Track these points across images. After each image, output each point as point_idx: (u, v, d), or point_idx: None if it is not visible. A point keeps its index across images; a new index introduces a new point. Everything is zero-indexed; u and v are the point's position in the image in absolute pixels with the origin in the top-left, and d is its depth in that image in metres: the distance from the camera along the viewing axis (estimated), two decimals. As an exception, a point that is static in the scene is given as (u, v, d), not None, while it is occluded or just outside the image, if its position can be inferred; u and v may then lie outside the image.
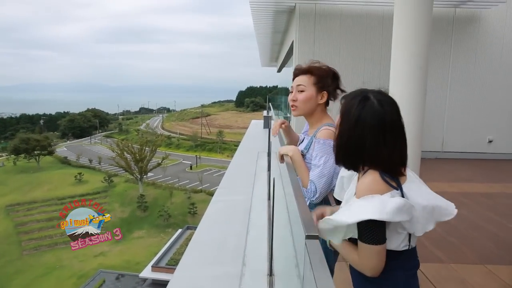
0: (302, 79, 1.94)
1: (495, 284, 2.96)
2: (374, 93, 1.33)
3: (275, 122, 1.83)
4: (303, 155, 1.88)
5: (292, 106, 1.97)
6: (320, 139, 1.79)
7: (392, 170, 1.27)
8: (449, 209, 1.41)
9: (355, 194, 1.29)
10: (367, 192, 1.19)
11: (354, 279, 1.40)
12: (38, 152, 59.15)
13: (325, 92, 1.94)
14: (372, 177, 1.23)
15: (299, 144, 2.07)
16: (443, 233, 4.01)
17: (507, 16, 8.37)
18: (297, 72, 1.99)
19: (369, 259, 1.22)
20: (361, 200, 1.19)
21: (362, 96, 1.32)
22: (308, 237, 0.71)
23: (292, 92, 1.99)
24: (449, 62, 8.49)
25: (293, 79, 2.02)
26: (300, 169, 1.84)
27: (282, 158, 1.79)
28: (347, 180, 1.49)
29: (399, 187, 1.23)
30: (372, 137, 1.26)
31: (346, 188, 1.48)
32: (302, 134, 2.10)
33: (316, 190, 1.79)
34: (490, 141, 8.63)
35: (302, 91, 1.92)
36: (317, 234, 0.71)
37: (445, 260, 3.34)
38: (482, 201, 5.28)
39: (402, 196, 1.22)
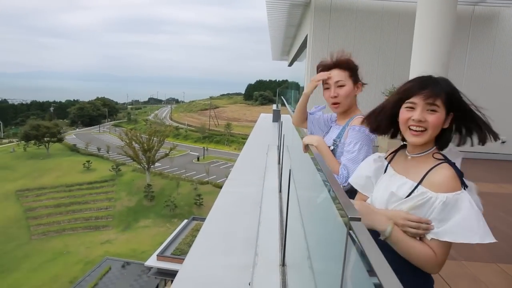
0: (339, 74, 1.93)
1: (508, 283, 2.96)
2: None
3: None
4: (336, 144, 1.88)
5: (335, 103, 1.94)
6: (355, 126, 1.78)
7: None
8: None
9: (415, 184, 1.28)
10: (451, 187, 1.20)
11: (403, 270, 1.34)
12: (48, 139, 59.81)
13: (360, 83, 1.96)
14: (453, 170, 1.25)
15: (325, 135, 2.07)
16: (455, 231, 4.00)
17: (526, 15, 8.22)
18: (328, 67, 1.98)
19: (448, 253, 1.23)
20: (468, 216, 1.17)
21: (443, 78, 1.37)
22: (352, 219, 0.72)
23: (328, 88, 1.97)
24: (465, 61, 8.39)
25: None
26: (327, 158, 1.84)
27: (306, 147, 1.80)
28: (373, 180, 1.46)
29: (463, 183, 1.25)
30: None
31: (370, 188, 1.45)
32: (332, 125, 2.10)
33: (348, 175, 1.78)
34: (503, 142, 8.53)
35: (342, 85, 1.92)
36: (360, 217, 0.72)
37: (457, 258, 3.34)
38: (494, 201, 5.25)
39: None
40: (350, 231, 0.71)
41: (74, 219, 41.03)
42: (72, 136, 75.88)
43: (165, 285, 25.13)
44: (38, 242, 36.54)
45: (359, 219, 0.70)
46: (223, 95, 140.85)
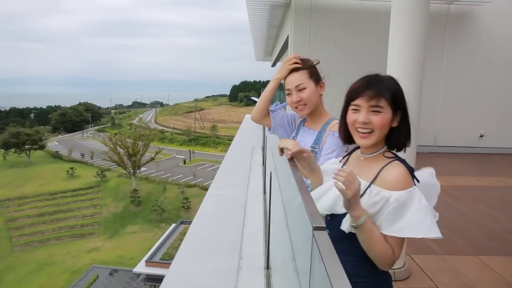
0: (297, 78, 1.86)
1: (488, 275, 3.02)
2: None
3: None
4: (314, 151, 1.83)
5: (298, 107, 1.87)
6: (335, 132, 1.72)
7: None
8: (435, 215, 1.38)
9: (368, 183, 1.28)
10: (403, 185, 1.22)
11: (354, 266, 1.30)
12: (29, 146, 58.51)
13: (322, 82, 1.92)
14: (403, 167, 1.26)
15: (295, 137, 2.02)
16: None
17: (500, 13, 8.44)
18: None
19: (401, 250, 1.24)
20: (416, 212, 1.19)
21: (388, 76, 1.35)
22: (316, 228, 0.71)
23: (289, 94, 1.89)
24: (443, 58, 8.56)
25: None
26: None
27: (282, 151, 1.78)
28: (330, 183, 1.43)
29: (414, 178, 1.27)
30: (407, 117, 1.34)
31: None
32: (301, 129, 2.01)
33: None
34: (481, 136, 8.74)
35: (303, 88, 1.84)
36: (325, 226, 0.72)
37: (439, 252, 3.39)
38: (474, 194, 5.37)
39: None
40: (314, 240, 0.70)
41: (59, 228, 40.19)
42: (54, 142, 74.40)
43: (155, 291, 24.87)
44: (21, 253, 35.67)
45: (323, 228, 0.70)
46: (208, 97, 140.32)
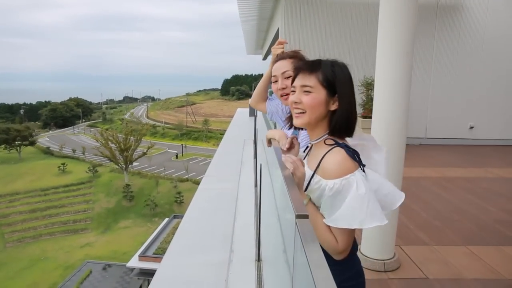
0: (285, 64, 1.86)
1: (477, 264, 3.05)
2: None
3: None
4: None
5: (283, 95, 1.87)
6: None
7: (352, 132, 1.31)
8: (398, 195, 1.34)
9: (312, 172, 1.25)
10: (340, 172, 1.17)
11: None
12: (19, 142, 57.82)
13: None
14: (341, 154, 1.20)
15: (287, 129, 2.00)
16: (426, 216, 4.10)
17: (489, 6, 8.48)
18: (273, 62, 1.95)
19: (348, 240, 1.20)
20: (351, 201, 1.14)
21: (339, 61, 1.31)
22: (298, 216, 0.70)
23: (276, 81, 1.89)
24: (433, 51, 8.59)
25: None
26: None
27: (269, 142, 1.77)
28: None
29: (360, 163, 1.22)
30: (354, 102, 1.30)
31: None
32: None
33: None
34: (471, 127, 8.82)
35: (289, 76, 1.81)
36: (308, 214, 0.71)
37: (429, 242, 3.42)
38: (464, 185, 5.42)
39: (363, 171, 1.22)
40: (297, 228, 0.69)
41: (51, 223, 39.93)
42: (45, 138, 73.61)
43: (149, 285, 24.83)
44: (14, 249, 35.40)
45: (306, 216, 0.68)
46: (199, 91, 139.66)
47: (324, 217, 1.21)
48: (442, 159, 7.27)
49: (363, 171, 1.22)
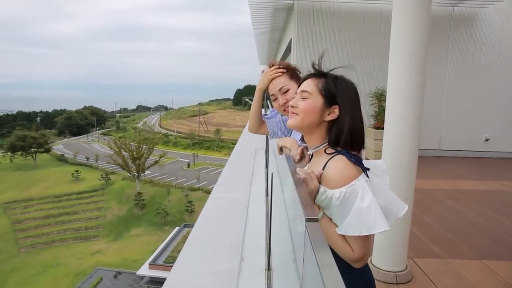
0: (279, 81, 1.92)
1: (492, 279, 2.98)
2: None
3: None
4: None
5: (286, 109, 1.87)
6: None
7: (362, 145, 1.31)
8: (401, 206, 1.33)
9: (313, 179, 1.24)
10: (344, 180, 1.17)
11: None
12: (35, 149, 58.96)
13: None
14: (342, 161, 1.21)
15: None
16: (440, 229, 4.03)
17: (505, 15, 8.39)
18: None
19: (365, 247, 1.19)
20: (358, 207, 1.14)
21: (347, 78, 1.34)
22: (309, 220, 0.71)
23: (275, 99, 1.94)
24: (447, 61, 8.52)
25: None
26: None
27: (280, 150, 1.79)
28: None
29: (363, 168, 1.23)
30: (357, 118, 1.30)
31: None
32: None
33: None
34: (486, 140, 8.67)
35: (287, 90, 1.88)
36: (318, 218, 0.72)
37: (442, 255, 3.36)
38: (478, 198, 5.32)
39: (367, 175, 1.22)
40: (307, 232, 0.70)
41: (64, 230, 40.38)
42: (60, 146, 74.91)
43: (158, 294, 24.86)
44: (27, 255, 35.84)
45: (316, 220, 0.69)
46: (212, 101, 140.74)
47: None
48: (456, 172, 7.15)
49: (367, 175, 1.23)
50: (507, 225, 4.26)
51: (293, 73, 1.91)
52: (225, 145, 70.93)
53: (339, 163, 1.21)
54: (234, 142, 55.98)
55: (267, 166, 6.42)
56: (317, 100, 1.29)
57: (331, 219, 1.24)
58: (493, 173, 7.26)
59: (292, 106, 1.34)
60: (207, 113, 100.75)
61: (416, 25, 2.46)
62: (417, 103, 2.56)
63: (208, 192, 43.54)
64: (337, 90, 1.29)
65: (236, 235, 3.81)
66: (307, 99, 1.31)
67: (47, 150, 61.98)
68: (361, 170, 1.21)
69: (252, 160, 7.58)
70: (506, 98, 8.60)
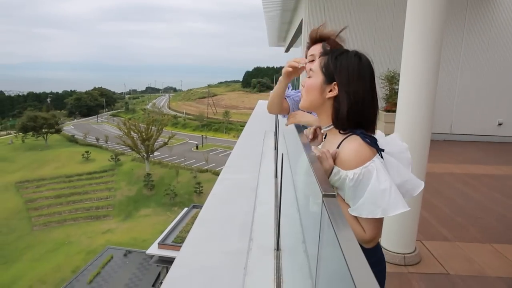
0: (317, 49, 1.86)
1: (501, 263, 2.98)
2: (355, 50, 1.31)
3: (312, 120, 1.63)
4: None
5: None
6: None
7: (372, 128, 1.27)
8: (417, 184, 1.30)
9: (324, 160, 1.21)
10: (358, 161, 1.15)
11: None
12: (46, 130, 59.61)
13: None
14: (357, 142, 1.18)
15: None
16: (449, 212, 4.02)
17: (524, -5, 8.12)
18: (313, 41, 1.88)
19: (376, 229, 1.18)
20: (372, 189, 1.11)
21: (354, 52, 1.28)
22: (326, 195, 0.71)
23: (313, 60, 1.80)
24: (462, 44, 8.31)
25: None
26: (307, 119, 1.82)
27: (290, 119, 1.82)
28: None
29: (378, 149, 1.20)
30: (369, 93, 1.24)
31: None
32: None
33: None
34: (500, 124, 8.53)
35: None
36: (335, 193, 0.71)
37: (451, 239, 3.36)
38: (489, 182, 5.27)
39: (381, 156, 1.19)
40: (324, 207, 0.70)
41: (75, 209, 41.18)
42: (70, 127, 75.61)
43: (167, 272, 25.34)
44: (40, 233, 36.76)
45: (333, 195, 0.69)
46: (221, 82, 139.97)
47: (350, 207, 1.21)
48: (467, 156, 7.07)
49: (381, 156, 1.20)
50: (518, 210, 4.23)
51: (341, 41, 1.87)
52: (234, 127, 70.89)
53: (354, 144, 1.19)
54: (243, 124, 55.90)
55: (276, 148, 6.42)
56: (318, 77, 1.27)
57: (343, 200, 1.23)
58: (505, 157, 7.17)
59: (302, 86, 1.35)
60: (216, 95, 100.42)
61: (433, 3, 2.39)
62: (432, 85, 2.51)
63: (217, 173, 43.80)
64: (335, 66, 1.24)
65: (245, 216, 3.84)
66: (311, 77, 1.30)
67: (58, 131, 62.67)
68: (376, 151, 1.18)
69: (261, 142, 7.58)
70: (521, 82, 8.41)
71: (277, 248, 3.03)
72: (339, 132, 1.26)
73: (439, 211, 4.04)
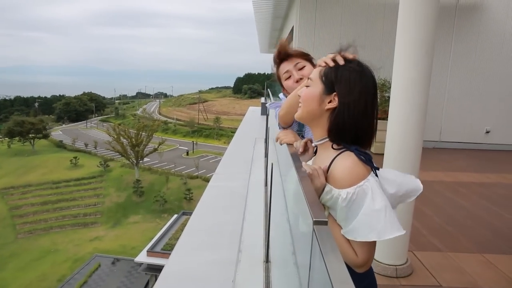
0: (294, 59, 1.81)
1: (492, 274, 2.95)
2: (357, 61, 1.23)
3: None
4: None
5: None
6: None
7: (368, 144, 1.19)
8: (416, 188, 1.24)
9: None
10: (352, 179, 1.07)
11: None
12: (33, 135, 58.75)
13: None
14: (351, 159, 1.10)
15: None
16: (440, 221, 3.99)
17: (509, 6, 8.25)
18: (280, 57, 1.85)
19: (369, 252, 1.09)
20: (367, 210, 1.03)
21: (356, 62, 1.21)
22: (317, 222, 0.64)
23: (289, 77, 1.82)
24: (450, 52, 8.41)
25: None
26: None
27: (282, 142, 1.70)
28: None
29: (372, 166, 1.12)
30: (371, 106, 1.17)
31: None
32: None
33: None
34: (487, 132, 8.62)
35: (303, 67, 1.79)
36: (327, 220, 0.65)
37: (443, 249, 3.33)
38: (478, 190, 5.28)
39: (376, 174, 1.11)
40: (315, 235, 0.64)
41: (62, 216, 40.49)
42: (58, 132, 74.67)
43: (156, 280, 24.97)
44: (25, 240, 35.99)
45: (325, 223, 0.63)
46: (212, 88, 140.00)
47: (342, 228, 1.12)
48: (456, 164, 7.11)
49: (376, 175, 1.12)
50: (506, 218, 4.23)
51: (308, 59, 1.82)
52: (225, 133, 70.80)
53: (348, 161, 1.10)
54: (233, 131, 55.83)
55: (266, 156, 6.37)
56: (317, 87, 1.19)
57: (335, 220, 1.15)
58: (493, 165, 7.22)
59: (299, 96, 1.25)
60: (207, 101, 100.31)
61: (424, 13, 2.37)
62: (423, 93, 2.49)
63: (207, 180, 43.57)
64: (336, 76, 1.17)
65: (234, 225, 3.76)
66: (309, 86, 1.22)
67: (46, 136, 61.79)
68: (370, 168, 1.11)
69: (251, 149, 7.52)
70: (507, 91, 8.52)
71: (267, 260, 2.96)
72: (332, 147, 1.18)
73: (430, 220, 4.02)
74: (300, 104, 1.25)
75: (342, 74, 1.17)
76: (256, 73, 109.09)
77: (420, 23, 2.41)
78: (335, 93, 1.16)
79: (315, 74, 1.22)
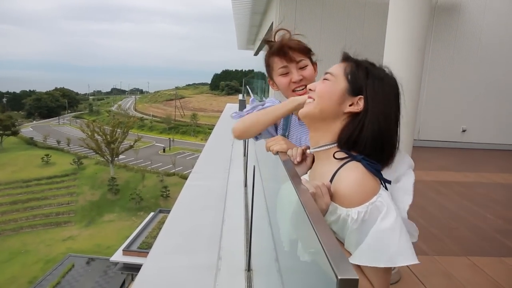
0: (297, 54, 1.56)
1: (480, 277, 2.88)
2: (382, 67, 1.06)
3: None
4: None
5: (298, 89, 1.52)
6: None
7: (391, 158, 1.03)
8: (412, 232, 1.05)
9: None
10: (363, 196, 0.89)
11: None
12: (1, 132, 56.39)
13: (315, 65, 1.61)
14: (359, 171, 0.93)
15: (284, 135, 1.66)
16: (424, 223, 3.93)
17: (487, 7, 8.36)
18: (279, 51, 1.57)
19: (386, 281, 0.92)
20: (378, 231, 0.86)
21: (385, 66, 1.05)
22: (343, 282, 0.45)
23: (287, 73, 1.53)
24: (429, 51, 8.44)
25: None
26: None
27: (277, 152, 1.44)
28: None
29: (382, 178, 0.96)
30: (398, 118, 1.02)
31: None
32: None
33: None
34: (463, 131, 8.73)
35: (305, 66, 1.57)
36: (357, 279, 0.46)
37: (429, 252, 3.24)
38: (459, 190, 5.28)
39: (385, 187, 0.95)
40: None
41: (33, 216, 39.02)
42: (28, 128, 71.97)
43: (132, 280, 24.48)
44: (-7, 241, 34.51)
45: (355, 282, 0.45)
46: (189, 85, 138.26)
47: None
48: (436, 162, 7.13)
49: (386, 188, 0.95)
50: (489, 218, 4.21)
51: (311, 54, 1.58)
52: (202, 130, 70.18)
53: (355, 173, 0.92)
54: (210, 127, 55.35)
55: (245, 155, 6.19)
56: (340, 84, 1.02)
57: (342, 245, 0.95)
58: (470, 164, 7.29)
59: (310, 90, 1.07)
60: (183, 97, 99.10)
61: (417, 11, 2.25)
62: (415, 92, 2.36)
63: (184, 177, 43.02)
64: (367, 78, 1.00)
65: (214, 228, 3.58)
66: (327, 81, 1.03)
67: (15, 133, 59.41)
68: (379, 180, 0.94)
69: (229, 147, 7.33)
70: (483, 89, 8.65)
71: (248, 268, 2.78)
72: (334, 156, 0.99)
73: (415, 222, 3.93)
74: (309, 100, 1.06)
75: (374, 76, 1.01)
76: (234, 70, 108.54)
77: (412, 21, 2.28)
78: (360, 96, 0.99)
79: (338, 69, 1.05)
